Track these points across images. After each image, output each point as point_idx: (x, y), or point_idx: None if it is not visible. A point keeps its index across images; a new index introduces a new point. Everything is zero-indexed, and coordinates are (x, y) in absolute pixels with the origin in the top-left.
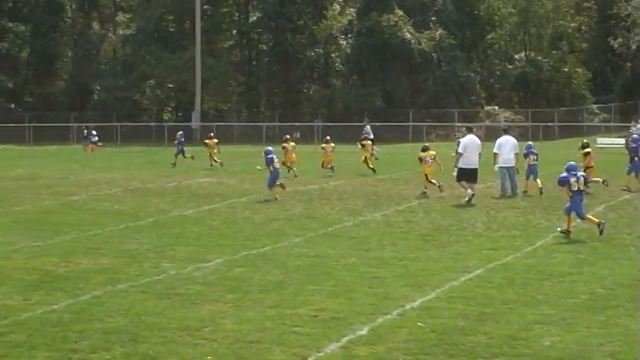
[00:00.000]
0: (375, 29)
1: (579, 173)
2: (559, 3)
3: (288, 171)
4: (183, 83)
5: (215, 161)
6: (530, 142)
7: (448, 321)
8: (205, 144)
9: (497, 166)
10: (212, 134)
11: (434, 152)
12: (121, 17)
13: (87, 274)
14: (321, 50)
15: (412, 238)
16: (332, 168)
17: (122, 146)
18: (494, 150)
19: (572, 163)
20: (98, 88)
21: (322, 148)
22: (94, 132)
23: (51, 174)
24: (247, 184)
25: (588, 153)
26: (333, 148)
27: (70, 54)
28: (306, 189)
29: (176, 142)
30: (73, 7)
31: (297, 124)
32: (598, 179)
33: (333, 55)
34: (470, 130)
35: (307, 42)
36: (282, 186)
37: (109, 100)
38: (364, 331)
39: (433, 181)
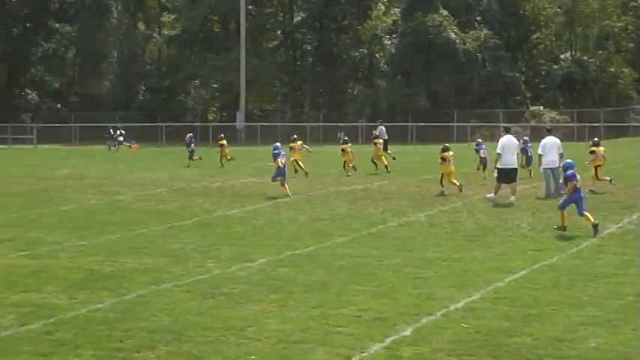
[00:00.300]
0: (420, 29)
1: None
2: (605, 3)
3: (295, 171)
4: (227, 83)
5: (228, 159)
6: (526, 137)
7: (492, 322)
8: (221, 145)
9: (541, 167)
10: (222, 135)
11: (452, 152)
12: (166, 18)
13: (132, 273)
14: (365, 50)
15: (456, 238)
16: (354, 167)
17: (167, 146)
18: (539, 151)
19: (568, 161)
20: (143, 88)
21: (342, 149)
22: (121, 131)
23: (96, 174)
24: (291, 184)
25: (593, 152)
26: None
27: (115, 54)
28: (350, 189)
29: (186, 143)
30: (119, 7)
31: (341, 124)
32: (606, 177)
33: (377, 55)
34: (507, 131)
35: (352, 42)
36: (281, 183)
37: (153, 100)
38: (408, 332)
39: (454, 180)
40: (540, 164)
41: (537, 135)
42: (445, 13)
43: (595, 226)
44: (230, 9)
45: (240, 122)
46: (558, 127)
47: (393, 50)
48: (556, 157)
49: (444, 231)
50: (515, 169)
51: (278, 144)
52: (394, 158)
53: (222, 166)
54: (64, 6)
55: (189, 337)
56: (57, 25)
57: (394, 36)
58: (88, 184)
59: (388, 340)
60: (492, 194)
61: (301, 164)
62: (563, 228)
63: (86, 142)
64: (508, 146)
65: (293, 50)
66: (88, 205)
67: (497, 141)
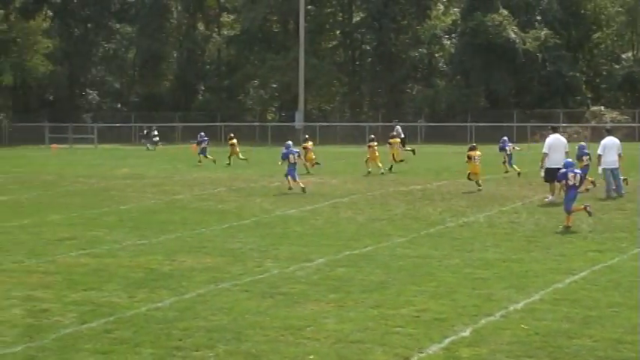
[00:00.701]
0: (480, 29)
1: (577, 170)
2: None
3: (307, 171)
4: (286, 83)
5: (240, 159)
6: (582, 143)
7: (552, 323)
8: (231, 145)
9: (601, 167)
10: (232, 135)
11: (479, 152)
12: (225, 18)
13: (191, 272)
14: (424, 50)
15: (516, 239)
16: (380, 167)
17: (226, 146)
18: (599, 151)
19: (568, 160)
20: (203, 88)
21: (369, 146)
22: (156, 132)
23: (156, 173)
24: (350, 184)
25: None
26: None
27: (175, 54)
28: (408, 189)
29: (197, 141)
30: (179, 8)
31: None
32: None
33: (436, 55)
34: (555, 130)
35: (411, 42)
36: (289, 182)
37: (213, 100)
38: (467, 333)
39: (478, 180)
40: (599, 164)
41: (598, 135)
42: (505, 12)
43: (567, 228)
44: (289, 9)
45: (299, 122)
46: (619, 128)
47: (453, 50)
48: (615, 158)
49: (503, 231)
50: (560, 169)
51: (290, 142)
52: (413, 152)
53: (229, 164)
54: (124, 6)
55: (247, 336)
56: (117, 25)
57: (453, 36)
58: (147, 184)
59: (446, 341)
60: (550, 197)
61: (311, 163)
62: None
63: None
64: (555, 145)
65: (352, 50)
66: (147, 204)
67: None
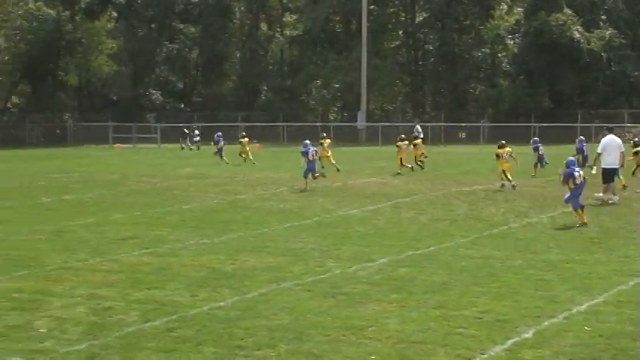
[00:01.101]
0: (544, 29)
1: (577, 169)
2: None
3: (322, 167)
4: (349, 84)
5: (249, 159)
6: (582, 137)
7: (616, 325)
8: (241, 143)
9: (602, 167)
10: (244, 134)
11: (510, 149)
12: (288, 18)
13: (253, 271)
14: (487, 50)
15: (579, 240)
16: (412, 167)
17: (288, 146)
18: (598, 150)
19: (570, 158)
20: (265, 88)
21: (397, 145)
22: (197, 131)
23: (219, 173)
24: (412, 184)
25: (637, 152)
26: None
27: (238, 55)
28: (471, 189)
29: (214, 142)
30: (242, 8)
31: (463, 124)
32: None
33: (499, 54)
34: (610, 130)
35: (474, 42)
36: (312, 177)
37: (275, 100)
38: (529, 334)
39: (508, 176)
40: (594, 164)
41: None
42: (569, 12)
43: (584, 224)
44: (352, 9)
45: (361, 122)
46: None
47: (516, 50)
48: (617, 158)
49: (566, 233)
50: (615, 169)
51: (307, 141)
52: (425, 157)
53: (245, 161)
54: (188, 7)
55: (309, 336)
56: (181, 25)
57: (517, 36)
58: (210, 183)
59: (509, 342)
60: (614, 197)
61: (332, 160)
62: (584, 224)
63: (209, 142)
64: (610, 146)
65: (414, 50)
66: (210, 204)
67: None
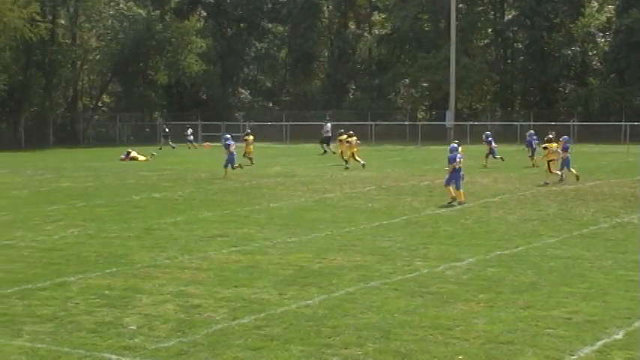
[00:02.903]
0: (635, 27)
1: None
2: None
3: (346, 162)
4: (437, 82)
5: (244, 156)
6: (566, 136)
7: None
8: (245, 140)
9: None
10: (249, 131)
11: (556, 144)
12: (376, 17)
13: (340, 270)
14: (577, 48)
15: None
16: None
17: (376, 145)
18: None
19: (453, 145)
20: (353, 87)
21: (345, 141)
22: (190, 130)
23: (306, 172)
24: (500, 183)
25: (546, 147)
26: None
27: (326, 53)
28: (560, 189)
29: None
30: (330, 7)
31: (552, 123)
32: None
33: (590, 53)
34: None
35: (564, 40)
36: (232, 167)
37: (363, 99)
38: (620, 336)
39: (557, 172)
40: None
41: None
42: None
43: (455, 201)
44: (440, 7)
45: (449, 121)
46: None
47: (607, 48)
48: None
49: None
50: None
51: (228, 135)
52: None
53: (252, 163)
54: (276, 6)
55: (396, 335)
56: (269, 25)
57: (608, 34)
58: (298, 182)
59: (599, 344)
60: None
61: (357, 157)
62: (453, 199)
63: (297, 141)
64: None
65: (504, 48)
66: (297, 202)
67: None
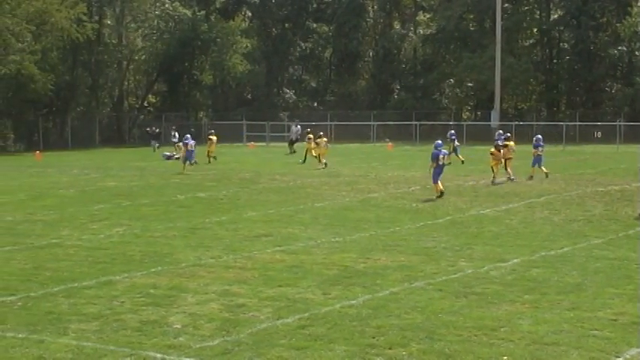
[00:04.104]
0: None
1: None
2: None
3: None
4: (482, 82)
5: (210, 157)
6: (539, 136)
7: None
8: (209, 140)
9: None
10: (212, 131)
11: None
12: (421, 17)
13: (384, 270)
14: (624, 48)
15: None
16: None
17: (421, 145)
18: None
19: (438, 142)
20: (398, 87)
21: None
22: (175, 132)
23: (351, 172)
24: (546, 184)
25: (492, 153)
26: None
27: (371, 53)
28: (606, 190)
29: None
30: (375, 7)
31: (599, 123)
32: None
33: (637, 52)
34: None
35: (610, 39)
36: (189, 164)
37: (408, 99)
38: None
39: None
40: None
41: None
42: None
43: (441, 194)
44: (486, 7)
45: (494, 121)
46: None
47: None
48: None
49: None
50: None
51: (188, 135)
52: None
53: (209, 162)
54: (321, 6)
55: (440, 335)
56: (314, 25)
57: None
58: (342, 182)
59: None
60: None
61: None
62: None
63: (342, 141)
64: None
65: (549, 48)
66: (342, 202)
67: None
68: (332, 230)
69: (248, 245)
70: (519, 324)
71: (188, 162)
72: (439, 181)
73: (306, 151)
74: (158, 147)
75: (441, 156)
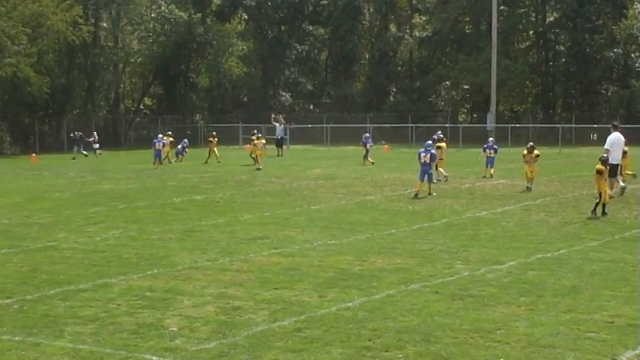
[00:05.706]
0: None
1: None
2: None
3: (255, 162)
4: (478, 85)
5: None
6: (491, 138)
7: None
8: (210, 142)
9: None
10: (214, 133)
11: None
12: (417, 19)
13: (381, 273)
14: (620, 50)
15: None
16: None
17: (416, 147)
18: (606, 146)
19: (429, 142)
20: (394, 89)
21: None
22: (96, 137)
23: (347, 174)
24: (542, 186)
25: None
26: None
27: (367, 56)
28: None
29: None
30: (371, 10)
31: (595, 125)
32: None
33: (633, 55)
34: (615, 128)
35: (606, 42)
36: (159, 162)
37: (404, 101)
38: None
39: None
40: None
41: None
42: None
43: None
44: (482, 10)
45: (490, 124)
46: None
47: None
48: (620, 154)
49: None
50: (618, 165)
51: (160, 135)
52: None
53: (206, 163)
54: (317, 9)
55: (437, 337)
56: (310, 27)
57: None
58: (338, 184)
59: None
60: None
61: (260, 159)
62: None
63: (337, 143)
64: (617, 143)
65: (545, 51)
66: (338, 204)
67: None
68: (328, 233)
69: (244, 248)
70: (515, 326)
71: (158, 160)
72: (425, 181)
73: (210, 151)
74: (79, 151)
75: (423, 154)
